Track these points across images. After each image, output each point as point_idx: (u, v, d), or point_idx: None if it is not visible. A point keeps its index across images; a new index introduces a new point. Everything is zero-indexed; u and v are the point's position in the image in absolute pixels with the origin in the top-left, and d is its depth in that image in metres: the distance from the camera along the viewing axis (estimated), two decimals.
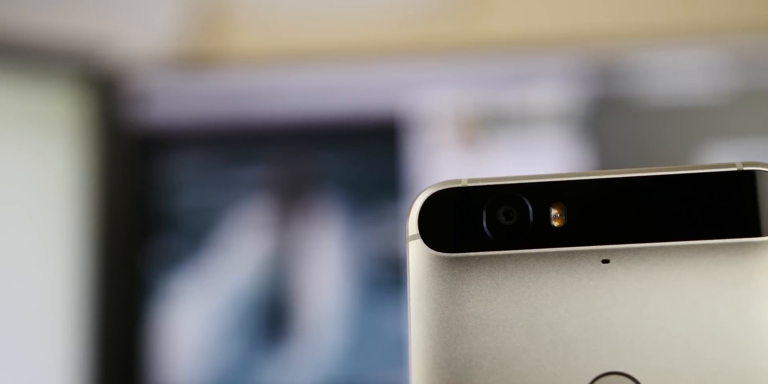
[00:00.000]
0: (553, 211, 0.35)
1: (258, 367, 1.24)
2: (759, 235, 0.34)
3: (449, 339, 0.35)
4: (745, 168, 0.35)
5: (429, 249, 0.36)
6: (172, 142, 1.29)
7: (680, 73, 1.23)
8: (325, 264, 1.25)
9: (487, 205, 0.36)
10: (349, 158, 1.27)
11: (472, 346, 0.35)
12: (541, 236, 0.35)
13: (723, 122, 1.23)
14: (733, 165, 0.35)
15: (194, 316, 1.26)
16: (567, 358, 0.34)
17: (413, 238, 0.36)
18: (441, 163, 1.24)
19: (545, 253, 0.35)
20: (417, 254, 0.36)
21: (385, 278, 1.23)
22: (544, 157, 1.23)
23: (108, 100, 1.28)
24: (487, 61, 1.26)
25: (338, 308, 1.24)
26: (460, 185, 0.36)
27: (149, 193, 1.29)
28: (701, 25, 1.26)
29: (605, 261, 0.35)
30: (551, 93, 1.23)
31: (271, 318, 1.25)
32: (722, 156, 1.21)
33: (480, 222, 0.35)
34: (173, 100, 1.29)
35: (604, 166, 1.22)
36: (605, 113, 1.23)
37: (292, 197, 1.27)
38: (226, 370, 1.25)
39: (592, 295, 0.34)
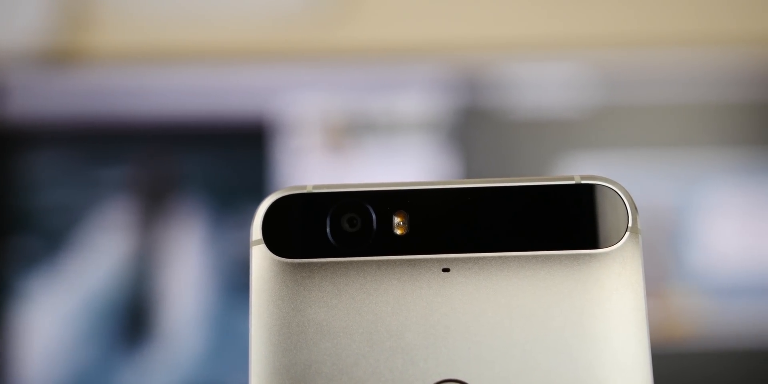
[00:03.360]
0: (396, 220, 0.36)
1: (116, 369, 1.23)
2: (595, 247, 0.35)
3: (289, 345, 0.35)
4: (583, 181, 0.36)
5: (272, 254, 0.36)
6: (32, 139, 1.27)
7: (544, 86, 1.25)
8: (187, 267, 1.24)
9: (331, 211, 0.36)
10: (215, 160, 1.26)
11: (312, 352, 0.35)
12: (383, 244, 0.35)
13: (584, 135, 1.26)
14: (572, 178, 0.36)
15: (51, 317, 1.24)
16: (405, 364, 0.34)
17: (257, 243, 0.36)
18: (307, 168, 1.24)
19: (387, 260, 0.35)
20: (260, 259, 0.36)
21: (247, 282, 1.22)
22: (410, 164, 1.24)
23: None
24: (355, 67, 1.26)
25: (199, 311, 1.23)
26: (304, 191, 0.36)
27: (7, 190, 1.26)
28: (566, 39, 1.29)
29: (446, 270, 0.35)
30: (418, 101, 1.24)
31: (131, 320, 1.23)
32: (582, 168, 1.23)
33: (324, 228, 0.36)
34: (35, 96, 1.27)
35: (468, 175, 1.23)
36: (471, 123, 1.25)
37: (156, 199, 1.26)
38: (83, 372, 1.23)
39: (431, 303, 0.35)
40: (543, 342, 0.34)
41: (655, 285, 1.23)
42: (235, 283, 1.23)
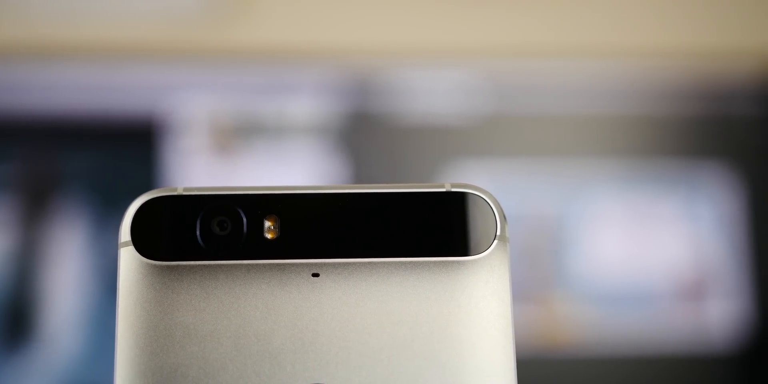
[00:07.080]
0: (267, 224, 0.36)
1: None
2: (464, 254, 0.35)
3: (156, 348, 0.35)
4: (453, 189, 0.36)
5: (140, 256, 0.35)
6: None
7: (435, 92, 1.26)
8: (68, 267, 1.22)
9: (201, 214, 0.36)
10: (101, 159, 1.25)
11: (179, 356, 0.34)
12: (253, 248, 0.35)
13: (473, 142, 1.27)
14: (443, 185, 0.36)
15: None
16: (273, 369, 0.34)
17: (125, 244, 0.36)
18: (194, 169, 1.23)
19: (257, 264, 0.35)
20: (128, 261, 0.35)
21: None
22: (298, 168, 1.24)
23: None
24: (246, 69, 1.26)
25: (79, 312, 1.21)
26: (175, 193, 0.36)
27: None
28: (457, 47, 1.30)
29: (315, 274, 0.35)
30: (308, 105, 1.25)
31: (10, 321, 1.21)
32: (470, 175, 1.24)
33: (193, 231, 0.35)
34: None
35: (357, 179, 1.24)
36: (360, 128, 1.26)
37: (38, 197, 1.23)
38: None
39: (300, 308, 0.35)
40: (410, 348, 0.35)
41: (538, 292, 1.24)
42: (116, 285, 1.21)
